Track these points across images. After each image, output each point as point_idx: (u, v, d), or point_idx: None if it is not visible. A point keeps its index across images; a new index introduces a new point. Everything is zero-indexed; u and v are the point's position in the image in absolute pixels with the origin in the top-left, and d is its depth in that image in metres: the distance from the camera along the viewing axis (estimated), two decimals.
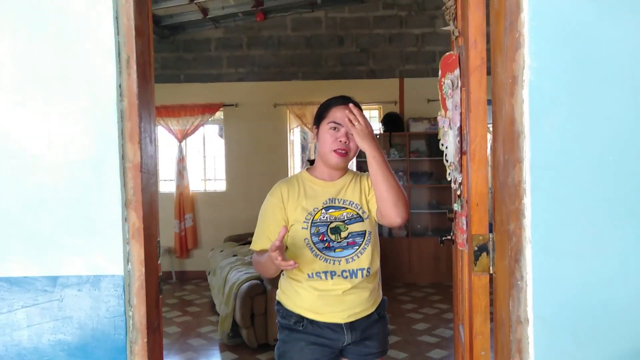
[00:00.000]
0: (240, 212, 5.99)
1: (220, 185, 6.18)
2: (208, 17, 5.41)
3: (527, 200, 1.12)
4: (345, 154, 1.62)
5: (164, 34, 5.77)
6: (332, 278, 1.58)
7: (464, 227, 1.51)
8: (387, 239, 5.51)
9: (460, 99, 1.59)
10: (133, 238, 1.19)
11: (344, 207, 1.64)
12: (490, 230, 1.32)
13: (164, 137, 6.06)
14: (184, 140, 5.97)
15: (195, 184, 6.15)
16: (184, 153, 5.97)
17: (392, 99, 5.90)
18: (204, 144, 6.25)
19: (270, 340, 3.59)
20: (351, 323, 1.61)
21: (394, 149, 5.73)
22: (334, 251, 1.59)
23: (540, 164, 1.11)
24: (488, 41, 1.29)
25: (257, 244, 1.65)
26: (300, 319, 1.61)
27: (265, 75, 5.93)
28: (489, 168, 1.37)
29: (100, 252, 1.18)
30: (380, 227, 4.48)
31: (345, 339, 1.61)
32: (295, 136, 6.26)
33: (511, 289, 1.15)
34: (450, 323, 4.12)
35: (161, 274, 1.34)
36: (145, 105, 1.25)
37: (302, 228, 1.58)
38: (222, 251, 5.18)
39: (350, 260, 1.60)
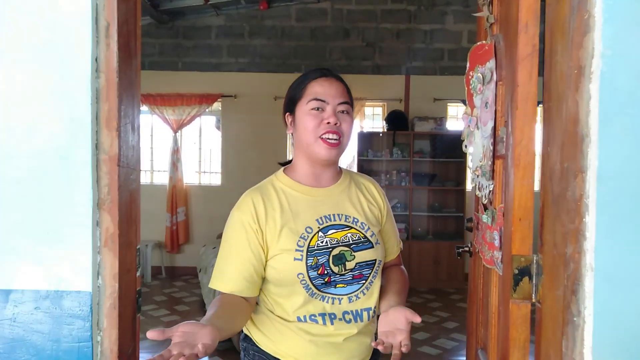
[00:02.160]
0: None
1: (216, 179, 5.95)
2: (209, 3, 5.17)
3: (589, 219, 0.92)
4: (337, 141, 1.17)
5: (162, 19, 5.52)
6: (332, 323, 1.17)
7: (496, 243, 1.31)
8: None
9: (496, 94, 1.38)
10: (106, 246, 0.97)
11: (346, 226, 1.21)
12: (534, 251, 1.11)
13: (159, 127, 5.82)
14: (180, 131, 5.73)
15: (190, 177, 5.91)
16: (179, 144, 5.74)
17: (397, 97, 5.68)
18: (200, 136, 6.02)
19: (237, 345, 3.37)
20: None
21: (397, 148, 5.52)
22: (335, 287, 1.17)
23: (609, 174, 0.91)
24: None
25: (220, 282, 1.17)
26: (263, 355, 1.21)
27: (266, 66, 5.69)
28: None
29: (65, 262, 0.96)
30: None
31: None
32: None
33: (565, 326, 0.95)
34: (452, 333, 3.94)
35: (140, 288, 1.12)
36: (128, 85, 1.03)
37: (295, 259, 1.14)
38: (214, 248, 4.96)
39: (354, 298, 1.19)
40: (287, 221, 1.17)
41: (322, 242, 1.17)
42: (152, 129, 5.95)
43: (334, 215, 1.21)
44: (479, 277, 1.69)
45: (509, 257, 1.13)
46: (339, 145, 1.18)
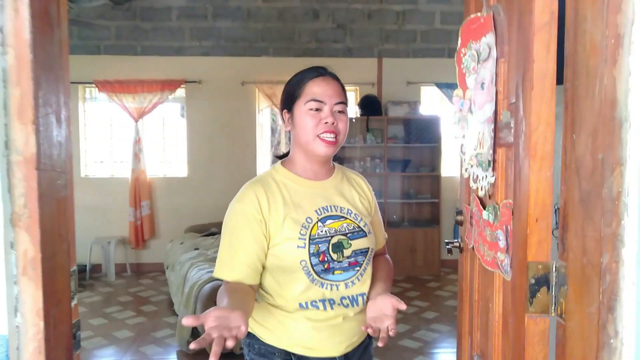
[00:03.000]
0: (202, 200, 5.50)
1: (181, 171, 5.65)
2: None
3: (629, 221, 0.75)
4: (334, 139, 1.27)
5: (118, 0, 5.13)
6: (332, 308, 1.26)
7: (501, 244, 1.14)
8: None
9: (496, 73, 1.21)
10: (25, 275, 0.75)
11: (342, 217, 1.30)
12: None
13: (118, 116, 5.47)
14: (141, 120, 5.39)
15: (153, 169, 5.60)
16: (141, 134, 5.40)
17: (369, 80, 5.50)
18: (163, 125, 5.69)
19: (235, 349, 3.18)
20: (346, 355, 1.31)
21: (371, 134, 5.36)
22: (333, 273, 1.25)
23: None
24: None
25: (227, 272, 1.23)
26: (287, 356, 1.27)
27: (232, 50, 5.40)
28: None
29: None
30: None
31: None
32: (264, 118, 5.78)
33: (600, 350, 0.79)
34: (432, 324, 3.83)
35: (77, 320, 0.90)
36: (48, 64, 0.80)
37: (299, 247, 1.22)
38: (182, 243, 4.71)
39: (350, 284, 1.28)
40: (289, 212, 1.25)
41: (322, 232, 1.25)
42: (111, 118, 5.58)
43: (330, 206, 1.30)
44: (473, 277, 1.53)
45: (522, 263, 0.96)
46: (336, 143, 1.27)
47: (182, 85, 5.39)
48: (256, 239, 1.22)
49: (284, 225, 1.22)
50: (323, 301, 1.24)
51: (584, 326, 0.82)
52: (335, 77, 1.31)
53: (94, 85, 5.31)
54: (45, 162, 0.77)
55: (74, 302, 0.88)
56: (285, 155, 1.38)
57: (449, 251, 1.73)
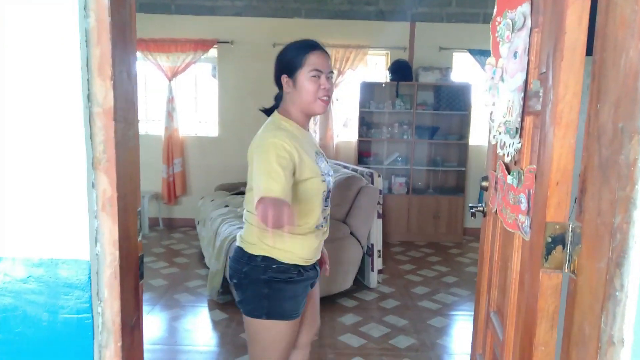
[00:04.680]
0: (232, 159, 5.66)
1: (212, 130, 5.80)
2: None
3: None
4: (328, 100, 1.62)
5: None
6: (325, 222, 1.69)
7: (522, 206, 1.22)
8: (387, 195, 5.26)
9: (529, 43, 1.25)
10: (103, 211, 0.88)
11: (323, 155, 1.72)
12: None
13: (152, 75, 5.60)
14: (174, 79, 5.51)
15: (186, 128, 5.75)
16: (174, 93, 5.53)
17: (401, 45, 5.45)
18: (195, 85, 5.81)
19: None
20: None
21: (400, 100, 5.36)
22: (326, 200, 1.66)
23: None
24: None
25: (277, 190, 1.41)
26: (297, 268, 1.62)
27: (264, 10, 5.41)
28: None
29: (59, 228, 0.87)
30: (381, 182, 4.19)
31: (314, 274, 1.71)
32: None
33: (606, 301, 0.87)
34: (451, 287, 3.95)
35: (142, 253, 1.04)
36: (122, 26, 0.89)
37: (322, 181, 1.60)
38: (212, 200, 4.90)
39: (325, 208, 1.67)
40: (305, 153, 1.56)
41: (325, 168, 1.64)
42: (145, 76, 5.72)
43: (316, 149, 1.68)
44: (494, 239, 1.61)
45: (541, 223, 1.04)
46: (329, 103, 1.64)
47: (214, 46, 5.46)
48: (290, 171, 1.48)
49: (306, 164, 1.53)
50: (325, 219, 1.67)
51: (593, 280, 0.91)
52: (324, 50, 1.64)
53: None
54: (119, 115, 0.88)
55: (139, 238, 1.01)
56: (270, 110, 1.73)
57: (473, 215, 1.81)
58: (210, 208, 4.67)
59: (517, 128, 1.32)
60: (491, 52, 1.58)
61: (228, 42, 5.45)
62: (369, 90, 5.39)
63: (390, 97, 5.40)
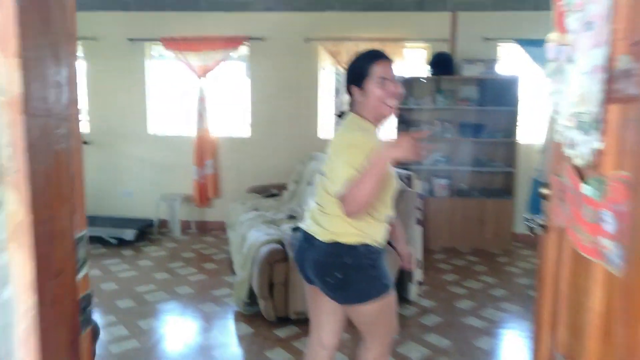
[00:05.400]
0: (264, 160, 5.45)
1: (244, 130, 5.61)
2: None
3: None
4: (396, 103, 1.77)
5: None
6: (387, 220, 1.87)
7: (606, 226, 0.89)
8: (428, 199, 4.89)
9: (612, 7, 0.92)
10: (13, 241, 0.63)
11: None
12: None
13: (182, 74, 5.46)
14: (205, 78, 5.35)
15: (217, 128, 5.59)
16: (204, 93, 5.38)
17: (442, 37, 5.07)
18: (226, 84, 5.63)
19: (290, 313, 3.12)
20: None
21: (441, 95, 4.99)
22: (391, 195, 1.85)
23: None
24: None
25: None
26: (376, 249, 1.80)
27: (296, 4, 5.16)
28: None
29: None
30: (421, 185, 3.85)
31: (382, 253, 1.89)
32: (327, 76, 5.56)
33: None
34: (500, 302, 3.56)
35: (88, 291, 0.79)
36: None
37: (395, 180, 1.83)
38: (243, 203, 4.70)
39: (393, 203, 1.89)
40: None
41: (391, 170, 1.80)
42: (175, 76, 5.60)
43: None
44: (560, 263, 1.28)
45: None
46: (395, 107, 1.78)
47: (245, 43, 5.27)
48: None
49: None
50: (388, 217, 1.85)
51: None
52: (389, 59, 1.79)
53: (159, 42, 5.31)
54: (37, 106, 0.64)
55: (82, 273, 0.76)
56: (342, 114, 1.91)
57: (530, 230, 1.48)
58: (240, 211, 4.47)
59: (595, 121, 0.99)
60: (555, 26, 1.25)
61: (259, 39, 5.24)
62: (408, 85, 5.04)
63: (431, 92, 5.03)
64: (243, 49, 5.37)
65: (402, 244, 2.07)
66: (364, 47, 5.11)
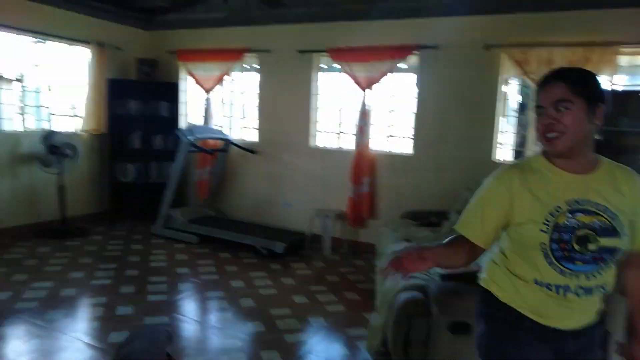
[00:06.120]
0: (426, 183, 4.88)
1: (407, 148, 5.11)
2: None
3: None
4: (554, 137, 1.36)
5: None
6: (564, 295, 1.37)
7: None
8: None
9: None
10: None
11: (594, 212, 1.36)
12: None
13: (346, 86, 5.22)
14: (369, 91, 5.01)
15: (378, 144, 5.20)
16: (368, 106, 5.03)
17: None
18: (391, 96, 5.21)
19: None
20: (575, 331, 1.43)
21: None
22: (574, 263, 1.35)
23: None
24: None
25: (466, 228, 1.49)
26: (520, 317, 1.43)
27: (475, 6, 4.46)
28: None
29: None
30: None
31: (570, 347, 1.43)
32: (510, 89, 4.71)
33: None
34: None
35: None
36: None
37: (541, 231, 1.35)
38: (395, 231, 4.20)
39: (591, 277, 1.36)
40: (539, 197, 1.38)
41: (568, 222, 1.35)
42: (340, 88, 5.38)
43: (583, 200, 1.37)
44: None
45: None
46: (558, 139, 1.36)
47: (415, 52, 4.77)
48: (498, 213, 1.42)
49: (530, 208, 1.37)
50: (557, 287, 1.37)
51: None
52: (559, 79, 1.36)
53: (326, 53, 5.16)
54: None
55: None
56: None
57: None
58: (390, 240, 3.99)
59: None
60: None
61: (431, 47, 4.68)
62: (620, 102, 3.91)
63: None
64: (412, 59, 4.88)
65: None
66: (560, 54, 4.17)
